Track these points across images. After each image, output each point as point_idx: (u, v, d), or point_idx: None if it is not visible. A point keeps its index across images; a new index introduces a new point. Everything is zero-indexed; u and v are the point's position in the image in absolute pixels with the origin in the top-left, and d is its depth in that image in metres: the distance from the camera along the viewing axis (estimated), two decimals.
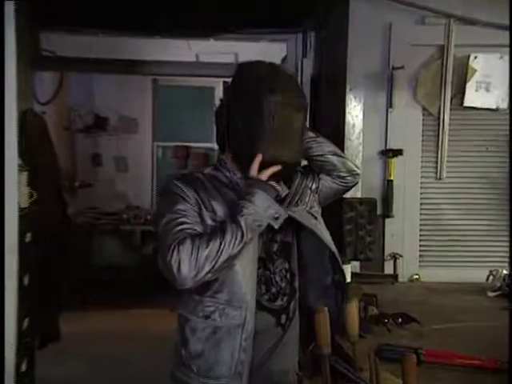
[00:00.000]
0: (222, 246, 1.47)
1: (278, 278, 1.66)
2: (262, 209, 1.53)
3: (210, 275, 1.48)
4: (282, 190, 1.65)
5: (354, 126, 3.32)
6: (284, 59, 4.36)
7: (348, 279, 2.62)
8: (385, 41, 3.30)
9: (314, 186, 1.77)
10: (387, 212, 3.33)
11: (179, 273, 1.44)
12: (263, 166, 1.56)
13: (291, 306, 1.69)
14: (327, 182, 1.80)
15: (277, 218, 1.56)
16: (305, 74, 3.82)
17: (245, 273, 1.57)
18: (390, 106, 3.31)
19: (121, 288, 5.69)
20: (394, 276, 3.27)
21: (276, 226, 1.57)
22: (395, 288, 3.14)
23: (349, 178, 1.82)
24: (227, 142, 1.65)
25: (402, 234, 3.36)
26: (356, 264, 3.21)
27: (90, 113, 6.69)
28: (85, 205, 6.51)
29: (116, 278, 5.95)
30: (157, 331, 4.14)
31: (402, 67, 3.26)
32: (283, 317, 1.67)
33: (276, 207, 1.56)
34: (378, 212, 3.28)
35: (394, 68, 3.28)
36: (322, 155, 1.76)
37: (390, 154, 3.32)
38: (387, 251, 3.35)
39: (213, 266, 1.46)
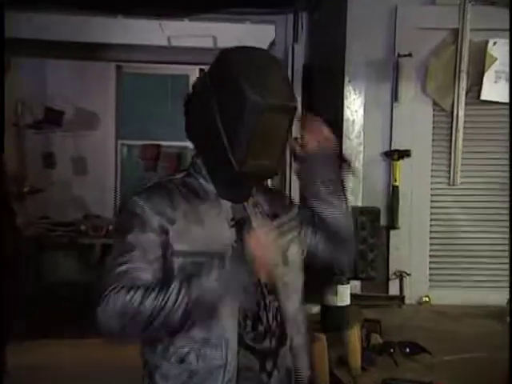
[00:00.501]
0: (159, 311, 1.45)
1: (269, 316, 1.63)
2: (231, 277, 1.49)
3: (144, 334, 1.51)
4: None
5: (353, 122, 3.34)
6: (271, 44, 4.37)
7: (347, 302, 2.64)
8: (389, 24, 3.32)
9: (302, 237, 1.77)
10: (392, 223, 3.35)
11: (106, 328, 1.48)
12: (237, 177, 1.59)
13: (280, 351, 1.64)
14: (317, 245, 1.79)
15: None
16: (296, 61, 3.86)
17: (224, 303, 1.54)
18: (396, 100, 3.33)
19: (78, 310, 5.64)
20: (401, 298, 3.29)
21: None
22: (402, 312, 3.17)
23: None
24: (199, 140, 1.67)
25: (409, 249, 3.38)
26: (356, 284, 3.22)
27: (41, 105, 6.64)
28: (35, 214, 6.45)
29: (72, 298, 5.90)
30: (121, 362, 4.10)
31: (409, 55, 3.29)
32: (269, 362, 1.62)
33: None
34: (382, 223, 3.30)
35: (399, 55, 3.30)
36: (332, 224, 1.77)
37: (395, 155, 3.34)
38: (392, 269, 3.36)
39: (144, 329, 1.47)
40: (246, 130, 1.53)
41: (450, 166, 3.37)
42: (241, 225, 1.65)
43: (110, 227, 6.17)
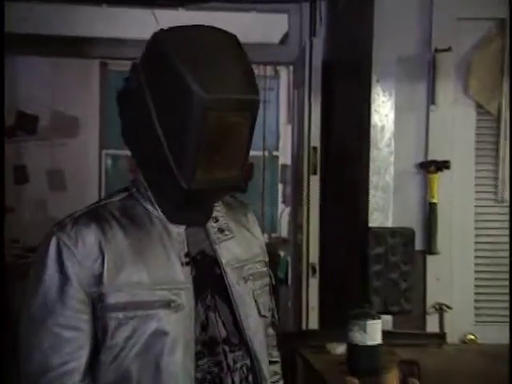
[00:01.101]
0: None
1: (235, 380, 1.55)
2: None
3: None
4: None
5: (382, 129, 3.36)
6: (284, 38, 4.41)
7: (378, 340, 2.65)
8: (424, 14, 3.35)
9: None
10: (429, 247, 3.35)
11: None
12: (187, 196, 1.48)
13: None
14: None
15: None
16: (314, 58, 3.85)
17: (173, 364, 1.47)
18: (432, 103, 3.34)
19: None
20: (441, 336, 3.28)
21: None
22: (442, 352, 3.16)
23: None
24: (136, 149, 1.58)
25: (450, 278, 3.37)
26: (388, 318, 3.22)
27: (12, 109, 6.68)
28: (4, 237, 6.46)
29: None
30: None
31: (448, 49, 3.30)
32: None
33: None
34: (417, 247, 3.31)
35: (436, 50, 3.32)
36: None
37: (431, 167, 3.35)
38: (430, 301, 3.36)
39: None
40: (191, 134, 1.41)
41: (496, 178, 3.38)
42: (199, 261, 1.56)
43: None
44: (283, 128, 7.34)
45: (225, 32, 1.51)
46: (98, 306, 1.45)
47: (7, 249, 6.25)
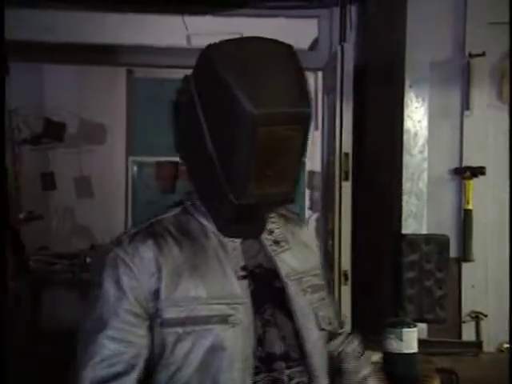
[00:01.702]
0: None
1: None
2: None
3: None
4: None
5: (415, 135, 3.35)
6: (314, 43, 4.41)
7: (414, 348, 2.63)
8: (458, 18, 3.35)
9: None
10: (464, 254, 3.34)
11: None
12: (239, 211, 1.47)
13: None
14: None
15: None
16: (345, 63, 3.83)
17: (231, 381, 1.45)
18: (467, 108, 3.35)
19: None
20: (477, 344, 3.26)
21: None
22: (479, 361, 3.12)
23: None
24: (189, 163, 1.58)
25: (485, 286, 3.37)
26: (423, 327, 3.20)
27: (39, 117, 6.73)
28: (32, 244, 6.50)
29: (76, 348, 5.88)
30: None
31: (482, 54, 3.30)
32: None
33: None
34: (452, 254, 3.30)
35: (470, 55, 3.32)
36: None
37: (466, 173, 3.34)
38: (466, 309, 3.35)
39: None
40: (241, 149, 1.40)
41: None
42: (257, 275, 1.55)
43: None
44: (310, 134, 7.33)
45: (278, 42, 1.49)
46: (155, 321, 1.45)
47: (35, 255, 6.33)
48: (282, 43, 1.49)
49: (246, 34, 4.80)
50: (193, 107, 1.47)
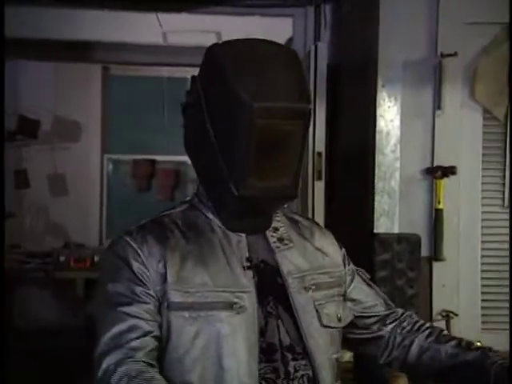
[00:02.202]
0: None
1: None
2: None
3: None
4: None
5: (388, 134, 3.35)
6: (288, 42, 4.41)
7: None
8: (431, 18, 3.34)
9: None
10: (436, 253, 3.33)
11: None
12: (241, 204, 1.52)
13: None
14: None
15: None
16: (319, 62, 3.84)
17: (236, 364, 1.49)
18: (439, 108, 3.34)
19: (55, 362, 5.57)
20: None
21: None
22: None
23: None
24: (196, 159, 1.64)
25: (456, 285, 3.36)
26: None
27: (13, 114, 6.68)
28: (5, 243, 6.46)
29: (50, 347, 5.85)
30: None
31: (454, 54, 3.29)
32: None
33: None
34: (423, 253, 3.30)
35: (442, 55, 3.31)
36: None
37: (438, 172, 3.33)
38: (436, 308, 3.35)
39: None
40: (241, 142, 1.46)
41: (503, 184, 3.36)
42: (262, 269, 1.59)
43: (96, 258, 6.18)
44: None
45: (279, 44, 1.58)
46: (163, 304, 1.50)
47: (8, 254, 6.28)
48: (285, 47, 1.62)
49: (222, 33, 4.83)
50: (199, 106, 1.54)
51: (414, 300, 3.23)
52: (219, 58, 1.50)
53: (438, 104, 3.35)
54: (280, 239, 1.65)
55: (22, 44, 5.41)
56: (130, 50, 5.94)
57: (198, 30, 5.24)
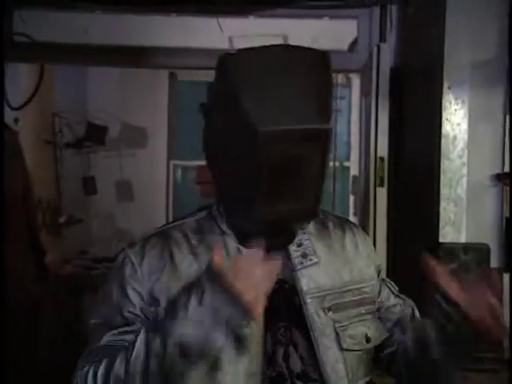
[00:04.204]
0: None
1: None
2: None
3: None
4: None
5: (454, 138, 3.26)
6: (353, 44, 4.39)
7: None
8: (501, 15, 3.23)
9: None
10: (506, 264, 3.22)
11: None
12: (256, 228, 1.42)
13: None
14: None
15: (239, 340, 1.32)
16: (382, 64, 3.83)
17: None
18: (510, 111, 3.23)
19: None
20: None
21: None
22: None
23: None
24: (212, 169, 1.56)
25: None
26: None
27: (81, 120, 6.79)
28: (73, 249, 6.56)
29: None
30: None
31: None
32: None
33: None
34: (493, 264, 3.20)
35: None
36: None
37: (508, 179, 3.24)
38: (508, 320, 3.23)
39: None
40: (252, 166, 1.35)
41: None
42: (276, 291, 1.41)
43: None
44: (354, 138, 7.27)
45: (307, 50, 1.42)
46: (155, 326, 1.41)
47: (76, 259, 6.38)
48: (311, 51, 1.42)
49: (289, 36, 4.76)
50: (211, 117, 1.50)
51: None
52: (229, 73, 1.39)
53: (508, 107, 3.24)
54: (303, 255, 1.55)
55: (87, 50, 5.47)
56: (196, 55, 5.94)
57: (264, 34, 5.20)
